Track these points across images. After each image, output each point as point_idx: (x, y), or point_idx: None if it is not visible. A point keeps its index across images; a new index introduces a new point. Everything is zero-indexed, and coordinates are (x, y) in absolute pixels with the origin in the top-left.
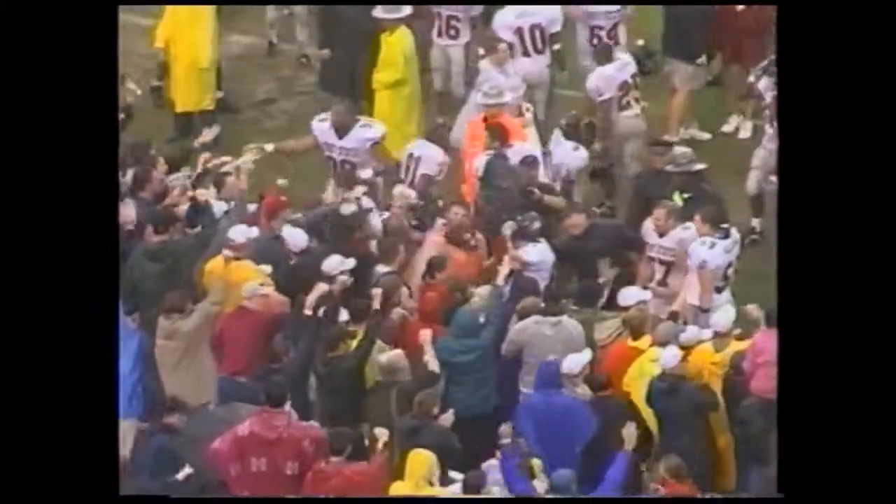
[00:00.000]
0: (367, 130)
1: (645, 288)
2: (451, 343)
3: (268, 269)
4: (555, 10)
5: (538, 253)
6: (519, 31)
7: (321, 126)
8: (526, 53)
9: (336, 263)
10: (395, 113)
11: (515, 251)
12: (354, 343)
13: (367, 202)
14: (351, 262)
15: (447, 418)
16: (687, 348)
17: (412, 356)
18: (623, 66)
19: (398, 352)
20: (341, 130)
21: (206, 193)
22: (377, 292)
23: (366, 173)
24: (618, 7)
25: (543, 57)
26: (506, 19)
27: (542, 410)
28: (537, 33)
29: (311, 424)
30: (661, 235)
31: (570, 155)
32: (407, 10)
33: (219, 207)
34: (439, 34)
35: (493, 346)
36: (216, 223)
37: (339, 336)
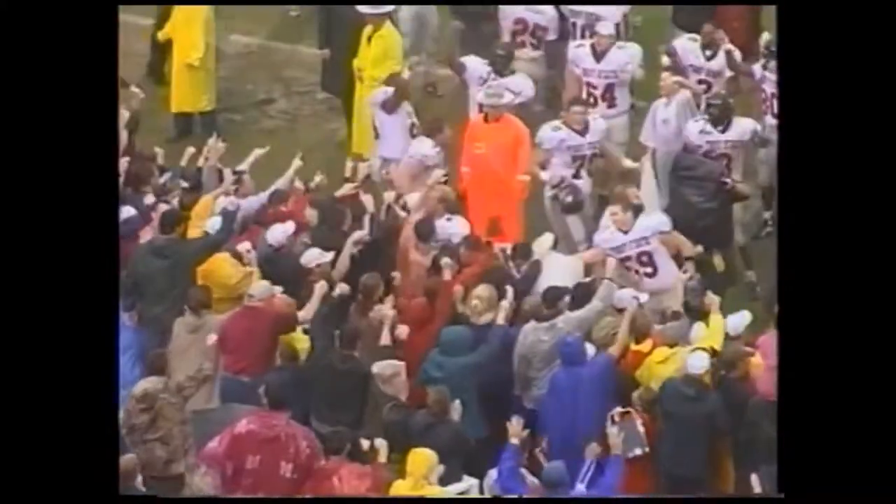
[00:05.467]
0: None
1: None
2: (435, 356)
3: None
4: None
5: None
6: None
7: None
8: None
9: (314, 256)
10: None
11: None
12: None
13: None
14: (329, 256)
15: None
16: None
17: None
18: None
19: (398, 364)
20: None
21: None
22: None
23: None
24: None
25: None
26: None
27: (568, 383)
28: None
29: (309, 430)
30: None
31: None
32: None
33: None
34: None
35: (472, 375)
36: (231, 224)
37: (354, 335)
